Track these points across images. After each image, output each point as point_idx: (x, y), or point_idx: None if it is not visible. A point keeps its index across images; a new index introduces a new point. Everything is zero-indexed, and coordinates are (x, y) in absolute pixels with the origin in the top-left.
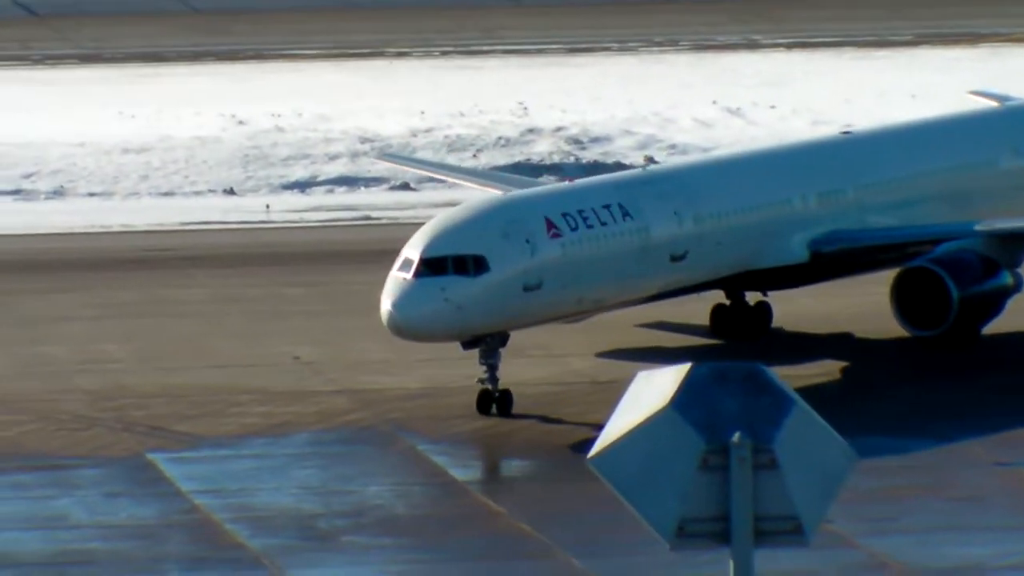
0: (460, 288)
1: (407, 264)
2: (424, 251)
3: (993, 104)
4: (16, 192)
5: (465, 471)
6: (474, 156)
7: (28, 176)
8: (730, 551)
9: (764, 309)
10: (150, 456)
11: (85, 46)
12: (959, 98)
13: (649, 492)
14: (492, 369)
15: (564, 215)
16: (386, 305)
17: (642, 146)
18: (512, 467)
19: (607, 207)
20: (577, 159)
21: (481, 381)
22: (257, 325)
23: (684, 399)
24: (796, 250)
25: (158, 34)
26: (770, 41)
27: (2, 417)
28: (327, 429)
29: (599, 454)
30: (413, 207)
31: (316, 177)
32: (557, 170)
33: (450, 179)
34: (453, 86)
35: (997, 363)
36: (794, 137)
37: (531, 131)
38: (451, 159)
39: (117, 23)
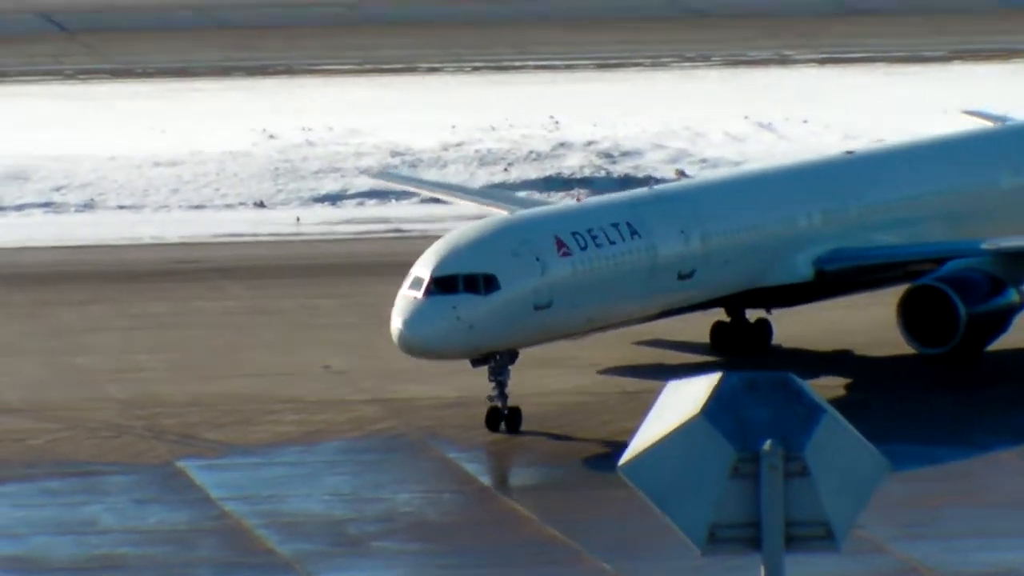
0: (471, 306)
1: (417, 282)
2: (435, 270)
3: (991, 124)
4: (47, 205)
5: (495, 478)
6: (505, 170)
7: (59, 189)
8: (761, 557)
9: (764, 326)
10: (180, 464)
11: (116, 61)
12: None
13: (680, 499)
14: (501, 386)
15: (574, 234)
16: (397, 323)
17: (673, 160)
18: (542, 474)
19: (615, 225)
20: (608, 173)
21: (490, 398)
22: (288, 336)
23: (715, 407)
24: (801, 268)
25: (189, 49)
26: (802, 57)
27: (34, 425)
28: (359, 437)
29: (630, 462)
30: (443, 220)
31: (347, 190)
32: (588, 184)
33: (446, 198)
34: (484, 101)
35: (1000, 377)
36: (807, 155)
37: (562, 145)
38: (482, 173)
39: (148, 38)
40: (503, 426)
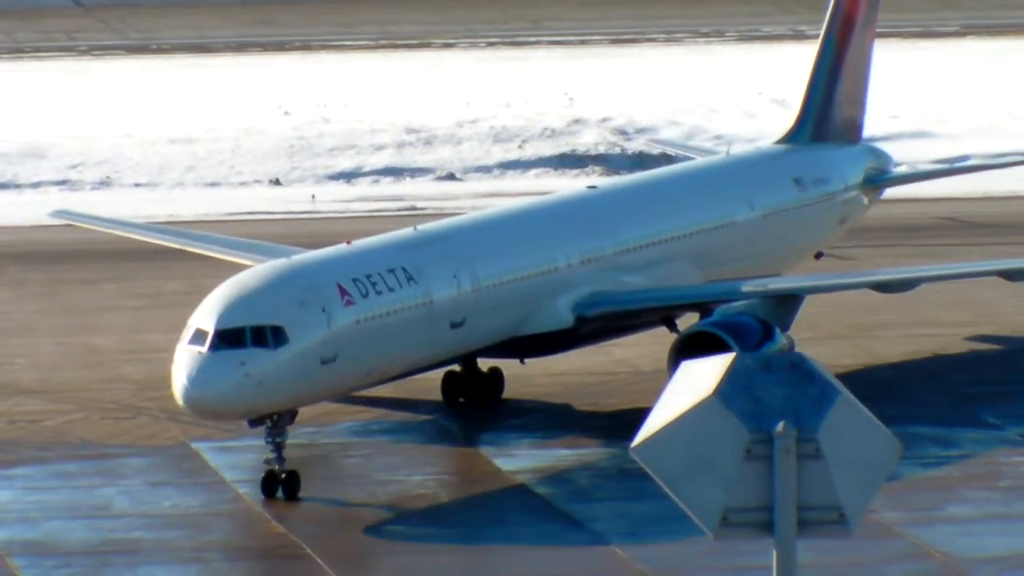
0: (260, 361)
1: (200, 336)
2: (219, 321)
3: (722, 155)
4: (62, 182)
5: (510, 461)
6: (519, 147)
7: (74, 166)
8: (773, 541)
9: (497, 376)
10: (195, 445)
11: (131, 37)
12: (1011, 87)
13: (693, 481)
14: (279, 448)
15: (355, 280)
16: (181, 380)
17: (688, 136)
18: (557, 457)
19: (392, 271)
20: (623, 150)
21: (267, 461)
22: None
23: (728, 388)
24: (561, 314)
25: (205, 25)
26: (816, 32)
27: (48, 406)
28: (372, 419)
29: (642, 443)
30: (458, 197)
31: (361, 167)
32: (603, 161)
33: (144, 238)
34: (499, 77)
35: None
36: (551, 192)
37: (577, 121)
38: (496, 150)
39: (164, 14)
40: (280, 492)
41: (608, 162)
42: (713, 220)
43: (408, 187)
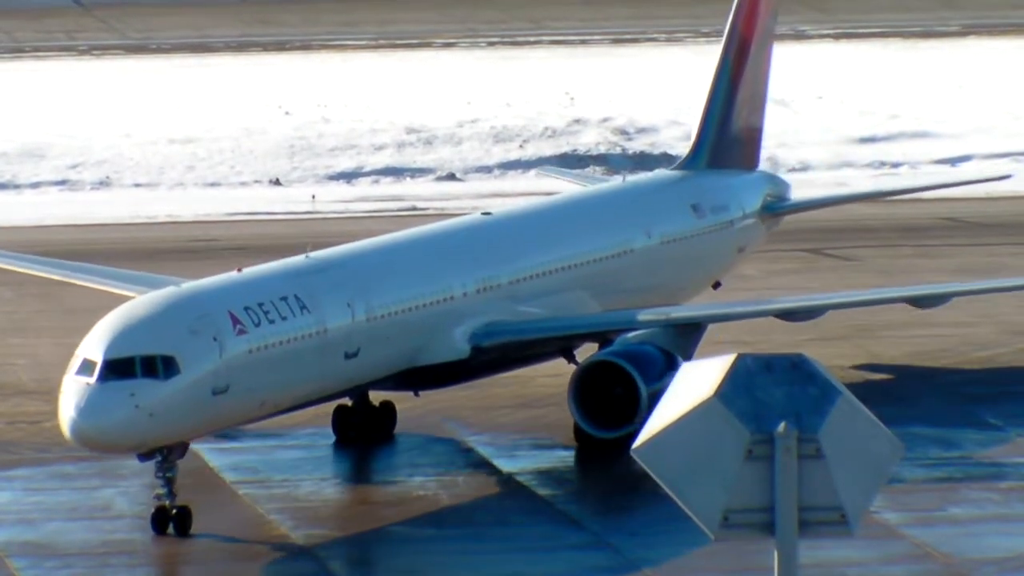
0: (151, 393)
1: (88, 367)
2: (108, 351)
3: (617, 179)
4: (62, 183)
5: (510, 461)
6: (520, 147)
7: (74, 167)
8: (775, 541)
9: (390, 409)
10: (194, 447)
11: (131, 37)
12: (1009, 89)
13: (694, 482)
14: (170, 483)
15: (247, 309)
16: (69, 413)
17: (688, 136)
18: (558, 457)
19: (285, 299)
20: (624, 150)
21: (158, 496)
22: None
23: (729, 389)
24: (458, 345)
25: (205, 24)
26: (817, 32)
27: (48, 407)
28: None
29: (644, 445)
30: (459, 197)
31: (362, 168)
32: (604, 161)
33: (21, 270)
34: (499, 76)
35: None
36: (449, 218)
37: (577, 121)
38: (497, 150)
39: (163, 13)
40: (171, 528)
41: (609, 162)
42: (609, 248)
43: (408, 187)
